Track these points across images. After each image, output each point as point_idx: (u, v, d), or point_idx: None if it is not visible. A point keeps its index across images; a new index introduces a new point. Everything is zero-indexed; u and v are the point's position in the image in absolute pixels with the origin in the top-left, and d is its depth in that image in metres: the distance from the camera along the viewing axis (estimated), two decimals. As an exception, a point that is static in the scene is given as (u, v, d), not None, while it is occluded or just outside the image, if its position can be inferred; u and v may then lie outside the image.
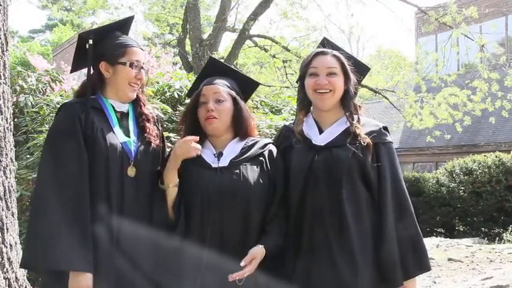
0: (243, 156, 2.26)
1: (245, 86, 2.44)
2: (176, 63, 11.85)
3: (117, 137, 2.19)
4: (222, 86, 2.30)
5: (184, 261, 2.15)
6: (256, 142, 2.34)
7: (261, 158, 2.28)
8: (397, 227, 2.17)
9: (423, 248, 2.22)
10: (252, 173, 2.23)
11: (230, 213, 2.15)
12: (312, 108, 2.37)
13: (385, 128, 2.31)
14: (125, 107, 2.29)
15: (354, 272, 2.11)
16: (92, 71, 2.23)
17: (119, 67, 2.22)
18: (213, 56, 10.85)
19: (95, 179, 2.10)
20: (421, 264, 2.22)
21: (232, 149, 2.29)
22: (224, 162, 2.24)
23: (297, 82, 2.42)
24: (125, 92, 2.25)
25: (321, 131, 2.29)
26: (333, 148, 2.22)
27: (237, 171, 2.21)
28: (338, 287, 2.11)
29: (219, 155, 2.25)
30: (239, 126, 2.33)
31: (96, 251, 2.05)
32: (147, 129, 2.28)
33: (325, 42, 2.41)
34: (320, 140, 2.26)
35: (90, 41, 2.22)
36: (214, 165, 2.23)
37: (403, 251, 2.16)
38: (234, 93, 2.33)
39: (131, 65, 2.22)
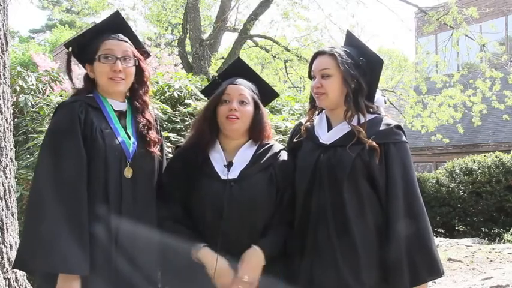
0: (254, 166, 2.24)
1: (265, 94, 2.42)
2: (178, 64, 11.83)
3: (115, 137, 2.16)
4: (247, 89, 2.29)
5: (196, 268, 2.14)
6: (269, 149, 2.30)
7: (271, 168, 2.26)
8: (406, 231, 2.09)
9: (434, 253, 2.13)
10: (261, 185, 2.21)
11: (239, 224, 2.15)
12: None
13: (398, 127, 2.22)
14: (123, 106, 2.27)
15: (356, 273, 2.08)
16: (81, 76, 2.28)
17: (95, 64, 2.20)
18: (214, 55, 10.86)
19: (93, 179, 2.08)
20: (432, 269, 2.13)
21: (243, 156, 2.26)
22: (234, 174, 2.21)
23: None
24: (108, 88, 2.20)
25: (330, 128, 2.26)
26: (338, 148, 2.18)
27: (247, 184, 2.19)
28: None
29: (229, 165, 2.22)
30: (256, 131, 2.30)
31: (95, 251, 2.03)
32: (148, 137, 2.24)
33: (347, 36, 2.35)
34: (326, 138, 2.24)
35: (70, 49, 2.28)
36: (223, 176, 2.20)
37: (411, 254, 2.08)
38: (256, 97, 2.31)
39: (103, 58, 2.17)
